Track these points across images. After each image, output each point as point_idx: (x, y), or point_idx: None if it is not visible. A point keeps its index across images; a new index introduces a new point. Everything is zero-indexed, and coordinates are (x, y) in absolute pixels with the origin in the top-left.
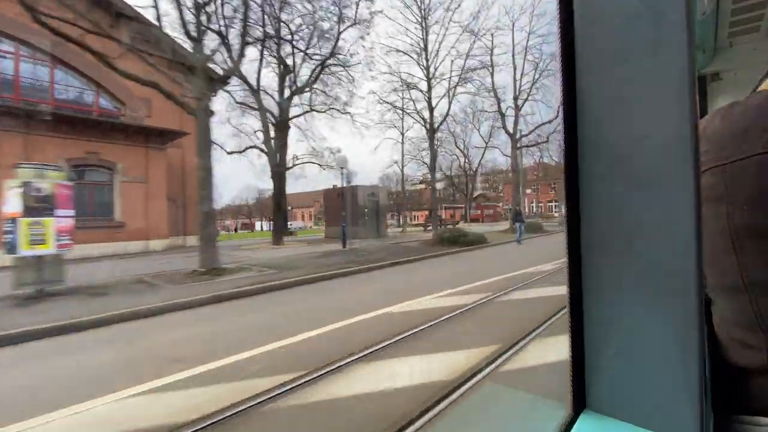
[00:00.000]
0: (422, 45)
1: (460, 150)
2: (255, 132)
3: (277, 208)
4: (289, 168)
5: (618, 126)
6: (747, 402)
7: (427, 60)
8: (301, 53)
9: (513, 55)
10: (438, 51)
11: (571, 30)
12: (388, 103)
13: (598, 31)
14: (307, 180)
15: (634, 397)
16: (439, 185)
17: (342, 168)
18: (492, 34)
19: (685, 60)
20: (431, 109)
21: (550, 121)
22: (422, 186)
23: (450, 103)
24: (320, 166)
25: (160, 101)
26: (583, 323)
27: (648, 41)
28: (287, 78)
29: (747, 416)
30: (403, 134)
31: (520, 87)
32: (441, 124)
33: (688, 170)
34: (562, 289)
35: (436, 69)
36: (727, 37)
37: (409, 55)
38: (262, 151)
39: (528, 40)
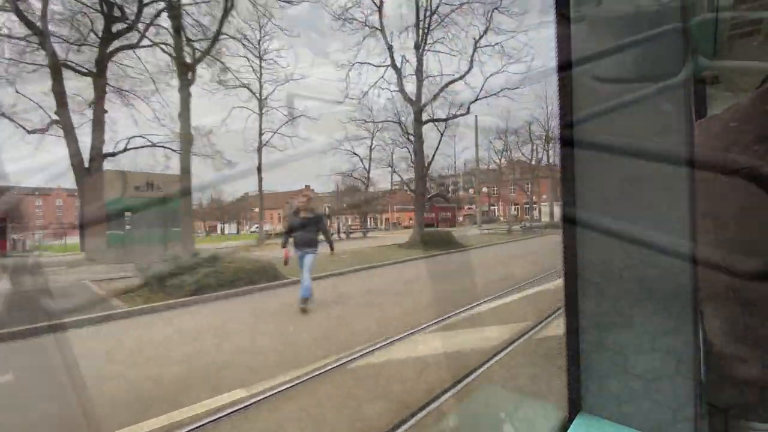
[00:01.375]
0: None
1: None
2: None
3: None
4: (110, 154)
5: (615, 127)
6: (740, 410)
7: None
8: None
9: None
10: None
11: (568, 32)
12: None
13: (595, 33)
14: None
15: (628, 400)
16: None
17: None
18: None
19: (682, 62)
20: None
21: (462, 77)
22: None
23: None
24: (173, 150)
25: None
26: (579, 327)
27: (645, 43)
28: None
29: (741, 421)
30: (260, 99)
31: (426, 25)
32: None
33: (684, 172)
34: None
35: None
36: (727, 40)
37: None
38: (56, 123)
39: None
